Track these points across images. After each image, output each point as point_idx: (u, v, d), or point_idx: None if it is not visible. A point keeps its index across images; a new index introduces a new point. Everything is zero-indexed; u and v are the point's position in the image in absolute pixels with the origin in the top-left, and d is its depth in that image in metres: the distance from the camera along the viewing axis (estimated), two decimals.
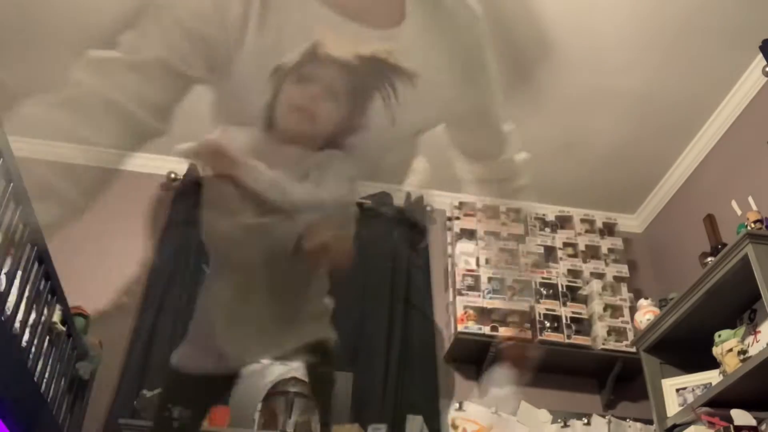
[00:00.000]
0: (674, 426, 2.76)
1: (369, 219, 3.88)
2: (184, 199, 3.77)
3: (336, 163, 1.33)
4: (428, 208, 3.99)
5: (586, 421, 3.43)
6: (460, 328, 3.40)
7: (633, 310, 3.46)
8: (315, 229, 1.22)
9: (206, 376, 1.49)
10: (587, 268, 3.75)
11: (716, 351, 2.63)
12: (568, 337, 3.44)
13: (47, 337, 2.58)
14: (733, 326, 2.74)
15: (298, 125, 1.31)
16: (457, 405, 3.38)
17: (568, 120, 3.60)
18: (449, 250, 3.83)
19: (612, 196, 4.06)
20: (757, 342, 2.66)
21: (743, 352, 2.54)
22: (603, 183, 3.97)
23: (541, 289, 3.57)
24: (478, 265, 3.65)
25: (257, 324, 1.40)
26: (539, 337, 3.42)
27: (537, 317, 3.46)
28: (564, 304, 3.54)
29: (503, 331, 3.39)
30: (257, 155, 1.27)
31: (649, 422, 3.11)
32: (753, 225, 2.70)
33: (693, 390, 2.83)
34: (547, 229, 3.90)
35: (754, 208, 3.03)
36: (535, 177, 4.23)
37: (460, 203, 3.90)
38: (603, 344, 3.42)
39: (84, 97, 1.27)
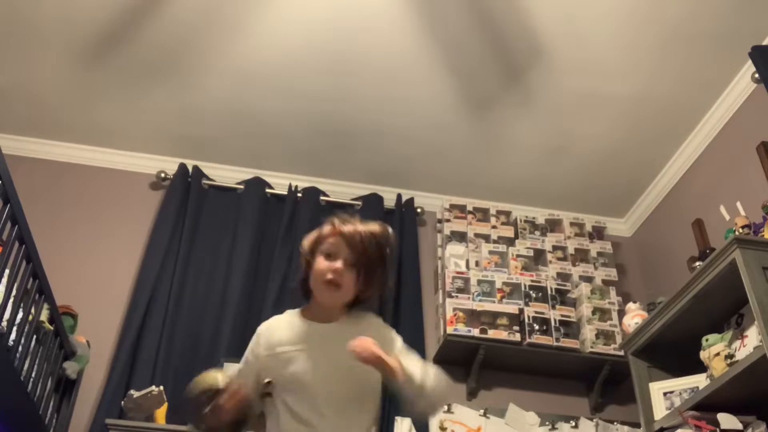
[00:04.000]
0: (661, 429, 2.77)
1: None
2: (173, 198, 3.76)
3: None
4: (418, 210, 3.99)
5: (573, 424, 3.45)
6: (450, 330, 3.40)
7: (621, 313, 3.46)
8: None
9: None
10: (576, 271, 3.76)
11: (703, 355, 2.64)
12: (557, 340, 3.44)
13: (34, 336, 2.56)
14: (720, 330, 2.76)
15: (330, 296, 1.68)
16: (446, 407, 3.39)
17: (559, 124, 3.61)
18: (439, 252, 3.84)
19: (601, 200, 4.07)
20: (744, 346, 2.67)
21: (730, 356, 2.55)
22: (593, 187, 3.98)
23: (530, 292, 3.58)
24: (467, 267, 3.65)
25: None
26: (528, 340, 3.43)
27: (526, 320, 3.47)
28: (553, 307, 3.55)
29: (492, 334, 3.40)
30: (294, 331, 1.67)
31: (637, 425, 3.12)
32: (741, 230, 2.71)
33: (680, 394, 2.84)
34: (537, 233, 3.91)
35: (742, 213, 3.05)
36: (525, 181, 4.26)
37: (451, 206, 3.91)
38: (591, 347, 3.43)
39: None
